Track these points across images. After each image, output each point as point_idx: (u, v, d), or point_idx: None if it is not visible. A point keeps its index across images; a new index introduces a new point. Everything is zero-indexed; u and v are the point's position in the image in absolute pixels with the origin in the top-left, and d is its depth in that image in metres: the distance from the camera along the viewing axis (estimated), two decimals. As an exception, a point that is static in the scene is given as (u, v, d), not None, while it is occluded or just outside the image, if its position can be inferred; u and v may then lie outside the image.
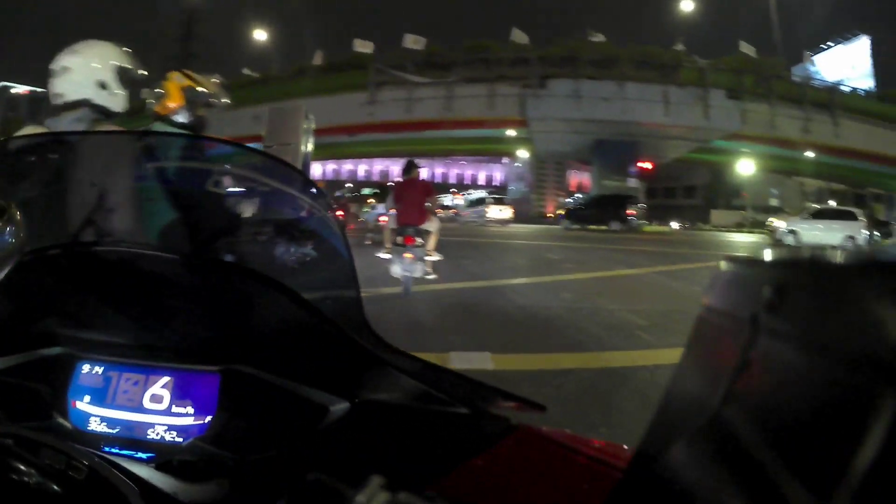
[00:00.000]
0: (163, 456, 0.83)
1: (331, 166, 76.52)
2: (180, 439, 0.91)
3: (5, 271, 0.61)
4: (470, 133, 38.87)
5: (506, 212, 38.25)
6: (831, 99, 39.14)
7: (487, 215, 37.08)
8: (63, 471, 0.57)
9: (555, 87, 34.43)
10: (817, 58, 48.94)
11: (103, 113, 2.61)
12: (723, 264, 0.39)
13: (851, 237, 23.88)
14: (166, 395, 0.93)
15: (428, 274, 8.04)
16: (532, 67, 34.63)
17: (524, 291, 8.82)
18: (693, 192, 63.22)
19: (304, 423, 0.88)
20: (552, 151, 44.45)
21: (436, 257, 8.16)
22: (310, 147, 10.54)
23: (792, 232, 25.06)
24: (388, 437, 0.84)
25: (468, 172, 76.50)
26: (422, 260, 7.86)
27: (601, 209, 32.79)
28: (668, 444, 0.38)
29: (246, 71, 42.60)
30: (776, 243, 25.13)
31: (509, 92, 34.77)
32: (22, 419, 0.91)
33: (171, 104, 2.97)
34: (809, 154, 40.88)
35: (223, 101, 3.18)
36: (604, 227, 31.59)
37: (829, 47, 62.18)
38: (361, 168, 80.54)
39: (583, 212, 34.12)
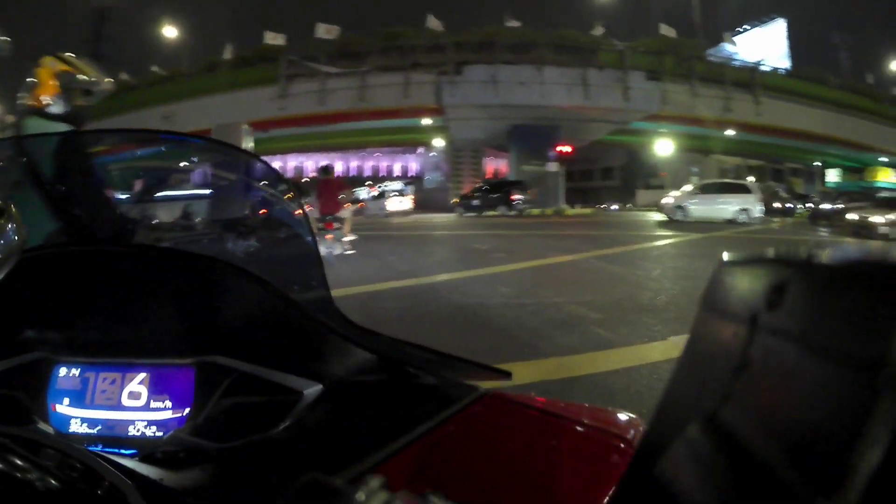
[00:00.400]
0: (144, 451, 0.85)
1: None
2: (160, 433, 0.92)
3: (6, 270, 0.62)
4: (385, 123, 37.33)
5: (406, 203, 38.06)
6: (752, 78, 38.86)
7: (388, 208, 36.65)
8: (58, 468, 0.57)
9: (471, 73, 33.03)
10: (736, 39, 48.72)
11: None
12: (723, 259, 0.39)
13: (745, 210, 23.37)
14: (143, 391, 0.94)
15: (347, 250, 10.30)
16: (448, 54, 33.15)
17: (459, 288, 8.11)
18: (610, 173, 63.20)
19: (279, 407, 0.90)
20: (468, 139, 43.39)
21: (351, 237, 10.54)
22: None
23: (680, 208, 24.67)
24: (362, 413, 0.86)
25: (384, 164, 74.79)
26: (340, 241, 10.07)
27: (490, 196, 33.33)
28: (667, 443, 0.37)
29: (154, 69, 40.10)
30: (669, 218, 24.89)
31: (425, 80, 33.22)
32: (4, 424, 0.86)
33: (45, 94, 2.62)
34: (730, 132, 41.00)
35: (105, 86, 2.87)
36: (495, 213, 32.13)
37: (747, 30, 63.08)
38: (275, 165, 75.95)
39: (474, 199, 34.22)
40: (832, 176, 52.18)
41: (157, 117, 38.82)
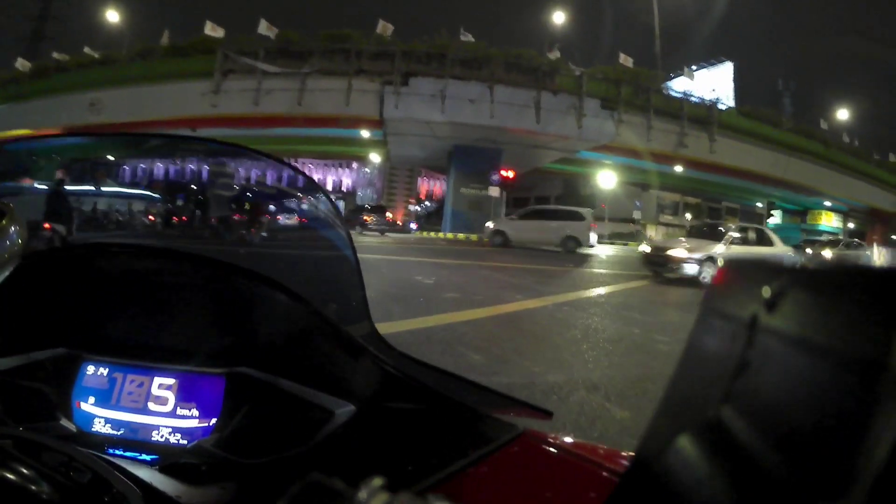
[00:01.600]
0: (167, 458, 0.83)
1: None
2: (185, 441, 0.89)
3: (6, 272, 0.63)
4: (322, 132, 33.92)
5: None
6: (709, 115, 36.73)
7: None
8: (65, 473, 0.56)
9: (418, 85, 29.86)
10: (682, 79, 46.71)
11: None
12: (722, 263, 0.39)
13: (573, 238, 21.82)
14: (171, 396, 0.91)
15: None
16: (395, 63, 29.93)
17: (409, 349, 4.01)
18: (546, 202, 59.35)
19: (309, 426, 0.86)
20: (407, 156, 40.41)
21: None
22: None
23: (499, 232, 23.16)
24: (394, 440, 0.82)
25: (316, 176, 71.83)
26: None
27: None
28: (667, 444, 0.36)
29: (87, 50, 35.91)
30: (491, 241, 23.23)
31: (368, 88, 29.84)
32: (26, 421, 0.88)
33: None
34: (678, 168, 38.92)
35: None
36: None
37: (696, 69, 61.69)
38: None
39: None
40: (775, 218, 50.94)
41: (84, 103, 35.01)
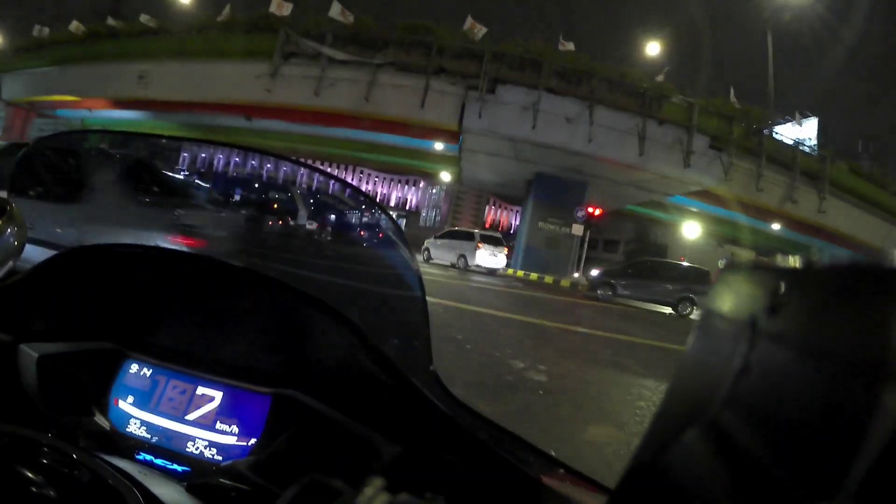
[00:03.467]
0: (198, 472, 0.79)
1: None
2: (220, 458, 0.83)
3: (6, 268, 0.61)
4: (389, 139, 27.25)
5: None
6: (821, 169, 29.71)
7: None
8: (64, 472, 0.54)
9: (507, 94, 23.19)
10: (787, 126, 39.23)
11: None
12: (722, 265, 0.37)
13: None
14: (213, 409, 0.85)
15: None
16: (483, 65, 23.35)
17: None
18: (614, 246, 51.71)
19: (352, 462, 0.77)
20: (479, 180, 32.58)
21: None
22: None
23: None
24: (436, 491, 0.72)
25: (381, 190, 65.42)
26: None
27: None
28: (668, 446, 0.35)
29: (143, 18, 30.46)
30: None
31: (448, 91, 23.40)
32: (62, 410, 0.84)
33: None
34: (775, 226, 31.99)
35: None
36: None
37: (783, 122, 54.31)
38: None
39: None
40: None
41: (132, 75, 29.76)
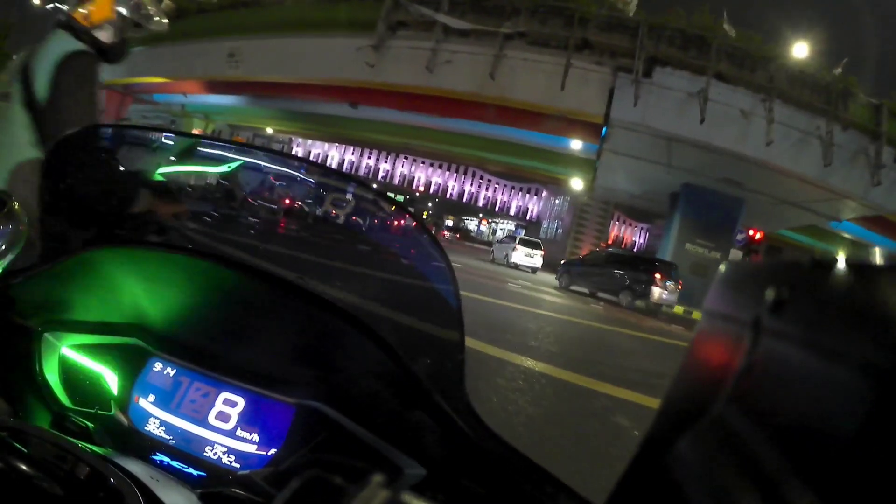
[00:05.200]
0: (214, 478, 0.76)
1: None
2: (237, 465, 0.78)
3: (5, 263, 0.59)
4: (518, 135, 21.48)
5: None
6: None
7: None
8: (63, 467, 0.51)
9: (666, 79, 16.98)
10: None
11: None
12: (724, 267, 0.36)
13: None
14: (234, 415, 0.80)
15: None
16: (639, 40, 17.11)
17: None
18: None
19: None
20: (615, 189, 25.11)
21: None
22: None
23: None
24: None
25: (501, 198, 59.30)
26: None
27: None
28: (670, 444, 0.33)
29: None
30: None
31: (593, 72, 17.39)
32: (81, 403, 0.81)
33: (98, 15, 1.91)
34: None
35: (158, 26, 2.17)
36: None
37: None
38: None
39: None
40: None
41: (222, 53, 25.32)
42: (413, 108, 20.78)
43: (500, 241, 25.96)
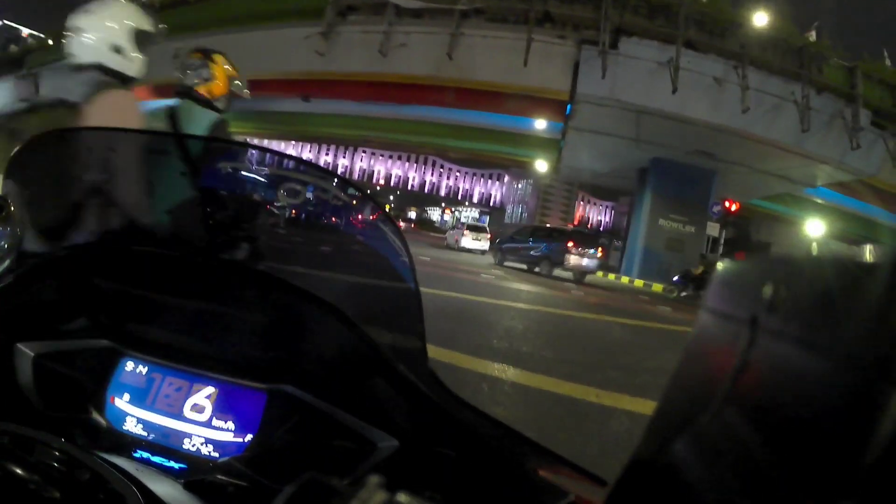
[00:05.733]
0: (195, 469, 0.75)
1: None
2: (216, 454, 0.78)
3: (3, 266, 0.59)
4: (479, 117, 19.75)
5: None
6: None
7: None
8: (63, 471, 0.51)
9: (634, 49, 15.75)
10: None
11: (118, 77, 1.89)
12: (721, 265, 0.35)
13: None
14: (209, 406, 0.80)
15: None
16: (603, 9, 15.72)
17: None
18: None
19: (348, 455, 0.75)
20: (581, 168, 23.55)
21: None
22: None
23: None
24: (434, 486, 0.68)
25: (463, 185, 58.06)
26: None
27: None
28: (668, 443, 0.33)
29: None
30: None
31: (556, 46, 16.02)
32: (57, 409, 0.80)
33: (217, 92, 2.37)
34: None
35: (245, 94, 2.53)
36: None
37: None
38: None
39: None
40: None
41: (167, 55, 23.63)
42: (368, 97, 19.24)
43: (452, 229, 27.06)
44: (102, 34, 1.85)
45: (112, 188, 1.04)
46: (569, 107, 16.52)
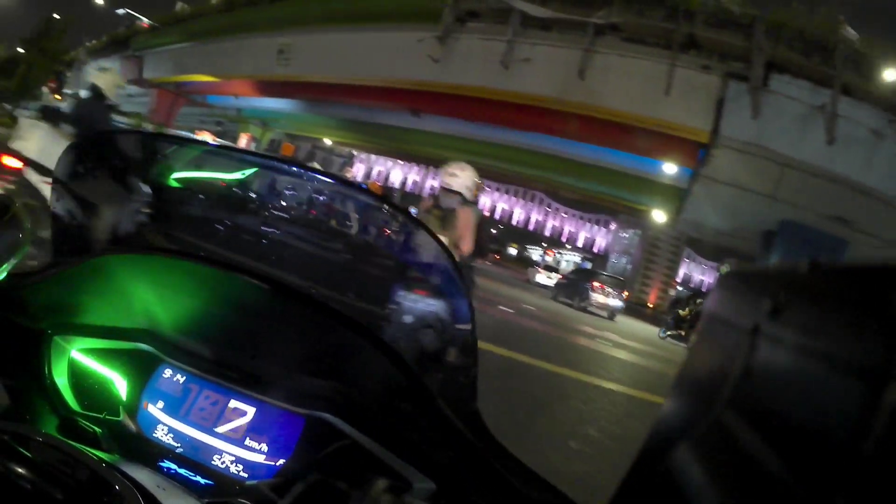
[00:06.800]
0: (221, 487, 0.72)
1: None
2: (245, 475, 0.75)
3: (8, 268, 0.58)
4: (600, 154, 17.35)
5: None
6: None
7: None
8: (65, 471, 0.49)
9: (784, 87, 13.37)
10: None
11: (467, 201, 3.53)
12: (723, 270, 0.34)
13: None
14: (243, 425, 0.77)
15: None
16: (754, 41, 13.28)
17: None
18: None
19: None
20: (701, 223, 19.47)
21: None
22: None
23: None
24: None
25: (568, 228, 55.06)
26: None
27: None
28: (670, 448, 0.32)
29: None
30: None
31: (699, 76, 13.57)
32: (90, 408, 0.78)
33: (286, 152, 2.21)
34: None
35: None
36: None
37: None
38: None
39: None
40: None
41: (272, 49, 22.22)
42: (482, 117, 17.09)
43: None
44: (466, 182, 3.47)
45: (169, 191, 1.02)
46: (701, 152, 14.15)
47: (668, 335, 15.63)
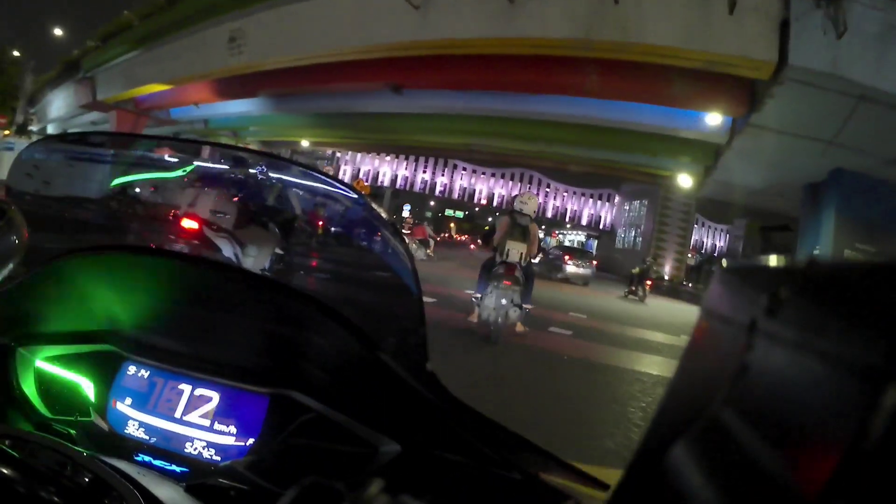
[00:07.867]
0: (197, 473, 0.73)
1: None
2: (218, 458, 0.76)
3: (6, 271, 0.57)
4: (622, 113, 14.40)
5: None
6: None
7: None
8: (64, 474, 0.48)
9: (857, 13, 10.05)
10: None
11: (530, 219, 5.78)
12: (721, 266, 0.33)
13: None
14: (210, 410, 0.78)
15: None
16: None
17: None
18: None
19: (350, 460, 0.73)
20: (733, 185, 17.09)
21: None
22: None
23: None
24: (436, 490, 0.68)
25: (571, 207, 51.43)
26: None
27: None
28: (666, 446, 0.31)
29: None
30: None
31: (750, 3, 10.33)
32: (61, 412, 0.78)
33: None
34: None
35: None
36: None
37: None
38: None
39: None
40: None
41: (223, 39, 18.78)
42: (477, 83, 13.80)
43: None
44: (533, 206, 5.80)
45: (114, 191, 0.97)
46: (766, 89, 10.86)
47: (627, 294, 16.58)
